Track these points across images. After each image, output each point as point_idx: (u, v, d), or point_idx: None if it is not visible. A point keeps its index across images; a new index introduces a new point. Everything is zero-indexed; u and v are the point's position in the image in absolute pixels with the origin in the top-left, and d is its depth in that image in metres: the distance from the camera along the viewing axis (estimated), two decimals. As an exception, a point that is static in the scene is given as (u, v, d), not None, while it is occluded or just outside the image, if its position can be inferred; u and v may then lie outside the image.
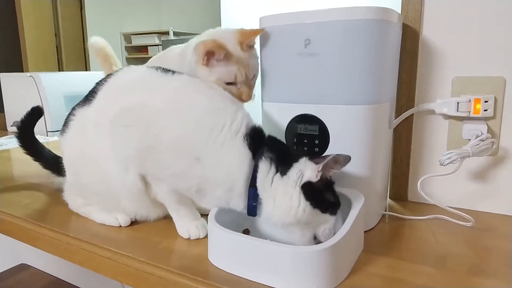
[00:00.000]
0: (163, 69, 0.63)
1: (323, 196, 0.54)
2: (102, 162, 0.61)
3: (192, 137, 0.55)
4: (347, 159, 0.54)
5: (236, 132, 0.55)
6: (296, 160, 0.54)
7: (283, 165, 0.54)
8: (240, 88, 0.66)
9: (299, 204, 0.52)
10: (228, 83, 0.65)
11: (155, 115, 0.57)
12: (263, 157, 0.54)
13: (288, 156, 0.55)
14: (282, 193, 0.53)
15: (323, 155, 0.56)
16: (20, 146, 0.82)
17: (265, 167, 0.54)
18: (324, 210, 0.53)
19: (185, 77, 0.63)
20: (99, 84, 0.66)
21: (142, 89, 0.61)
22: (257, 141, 0.56)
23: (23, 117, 0.82)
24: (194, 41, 0.70)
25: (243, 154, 0.54)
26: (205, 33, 0.70)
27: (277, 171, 0.54)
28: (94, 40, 0.93)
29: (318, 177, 0.53)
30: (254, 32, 0.65)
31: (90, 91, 0.66)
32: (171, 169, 0.56)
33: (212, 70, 0.65)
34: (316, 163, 0.53)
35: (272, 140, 0.58)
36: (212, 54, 0.63)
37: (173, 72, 0.63)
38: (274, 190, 0.53)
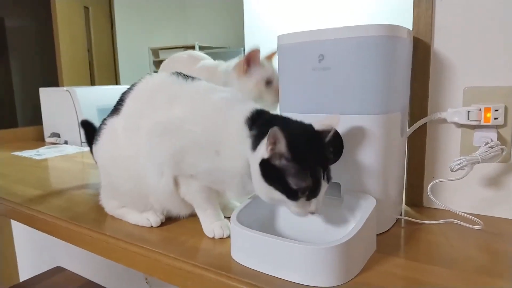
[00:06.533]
0: (184, 75, 0.70)
1: (282, 176, 0.53)
2: (135, 166, 0.68)
3: (210, 134, 0.62)
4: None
5: (243, 127, 0.61)
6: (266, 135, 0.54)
7: (257, 139, 0.57)
8: (275, 85, 0.82)
9: (261, 183, 0.55)
10: (268, 82, 0.86)
11: (179, 123, 0.64)
12: (249, 135, 0.59)
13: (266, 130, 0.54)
14: (253, 170, 0.58)
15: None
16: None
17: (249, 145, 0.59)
18: (282, 192, 0.54)
19: (201, 83, 0.70)
20: (125, 93, 0.73)
21: (165, 102, 0.67)
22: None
23: (84, 131, 0.90)
24: (224, 66, 0.96)
25: (244, 147, 0.60)
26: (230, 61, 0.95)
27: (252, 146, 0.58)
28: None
29: (269, 153, 0.53)
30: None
31: (118, 101, 0.73)
32: (199, 165, 0.63)
33: (251, 75, 0.87)
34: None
35: (272, 118, 0.62)
36: (249, 60, 0.85)
37: (192, 78, 0.70)
38: (251, 165, 0.58)
